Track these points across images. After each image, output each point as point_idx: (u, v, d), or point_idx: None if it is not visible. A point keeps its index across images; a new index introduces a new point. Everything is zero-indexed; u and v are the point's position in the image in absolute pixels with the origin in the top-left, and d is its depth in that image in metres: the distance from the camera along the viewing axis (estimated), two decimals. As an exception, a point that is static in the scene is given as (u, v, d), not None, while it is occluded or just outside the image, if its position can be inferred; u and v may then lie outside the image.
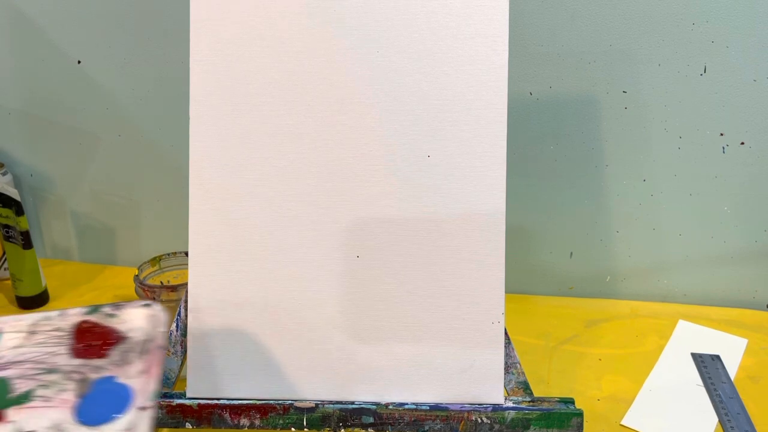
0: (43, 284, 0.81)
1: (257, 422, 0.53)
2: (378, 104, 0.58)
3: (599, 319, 0.77)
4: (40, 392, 0.49)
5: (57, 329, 0.54)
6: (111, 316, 0.53)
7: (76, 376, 0.50)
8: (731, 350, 0.70)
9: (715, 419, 0.61)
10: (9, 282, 0.82)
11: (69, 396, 0.49)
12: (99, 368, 0.50)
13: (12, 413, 0.48)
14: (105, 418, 0.47)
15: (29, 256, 0.79)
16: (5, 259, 0.82)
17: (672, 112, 0.73)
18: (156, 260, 0.74)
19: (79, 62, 0.81)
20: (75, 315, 0.54)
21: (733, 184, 0.75)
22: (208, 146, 0.58)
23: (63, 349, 0.52)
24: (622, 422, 0.61)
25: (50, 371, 0.51)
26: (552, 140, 0.76)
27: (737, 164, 0.74)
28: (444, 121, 0.57)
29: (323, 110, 0.58)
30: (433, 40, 0.57)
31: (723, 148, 0.74)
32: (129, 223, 0.90)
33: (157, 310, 0.54)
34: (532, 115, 0.75)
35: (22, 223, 0.76)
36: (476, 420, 0.52)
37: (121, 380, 0.49)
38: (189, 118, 0.57)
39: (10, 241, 0.77)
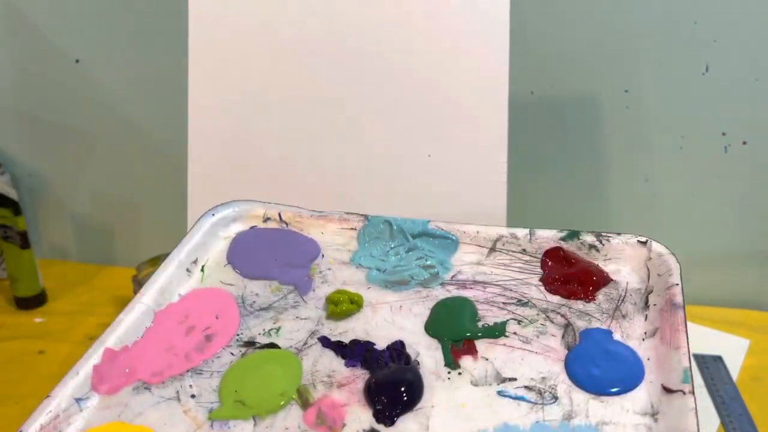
0: (41, 285, 0.81)
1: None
2: (378, 103, 0.58)
3: (600, 320, 0.76)
4: (515, 329, 0.40)
5: (522, 251, 0.46)
6: (593, 248, 0.45)
7: (557, 317, 0.41)
8: (733, 351, 0.70)
9: (717, 421, 0.61)
10: (7, 282, 0.81)
11: (554, 343, 0.39)
12: (584, 314, 0.41)
13: (484, 347, 0.39)
14: (604, 387, 0.37)
15: (27, 257, 0.78)
16: (3, 259, 0.82)
17: (674, 111, 0.72)
18: (155, 260, 0.74)
19: (77, 61, 0.81)
20: (547, 239, 0.45)
21: (735, 183, 0.75)
22: (208, 145, 0.58)
23: (533, 279, 0.44)
24: (624, 424, 0.61)
25: (522, 303, 0.42)
26: (553, 140, 0.76)
27: (739, 164, 0.74)
28: (445, 120, 0.57)
29: (323, 110, 0.58)
30: (433, 39, 0.57)
31: (725, 147, 0.73)
32: (127, 224, 0.89)
33: (661, 252, 0.43)
34: (533, 115, 0.75)
35: (20, 223, 0.76)
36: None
37: (619, 338, 0.39)
38: (188, 118, 0.57)
39: (8, 241, 0.77)
